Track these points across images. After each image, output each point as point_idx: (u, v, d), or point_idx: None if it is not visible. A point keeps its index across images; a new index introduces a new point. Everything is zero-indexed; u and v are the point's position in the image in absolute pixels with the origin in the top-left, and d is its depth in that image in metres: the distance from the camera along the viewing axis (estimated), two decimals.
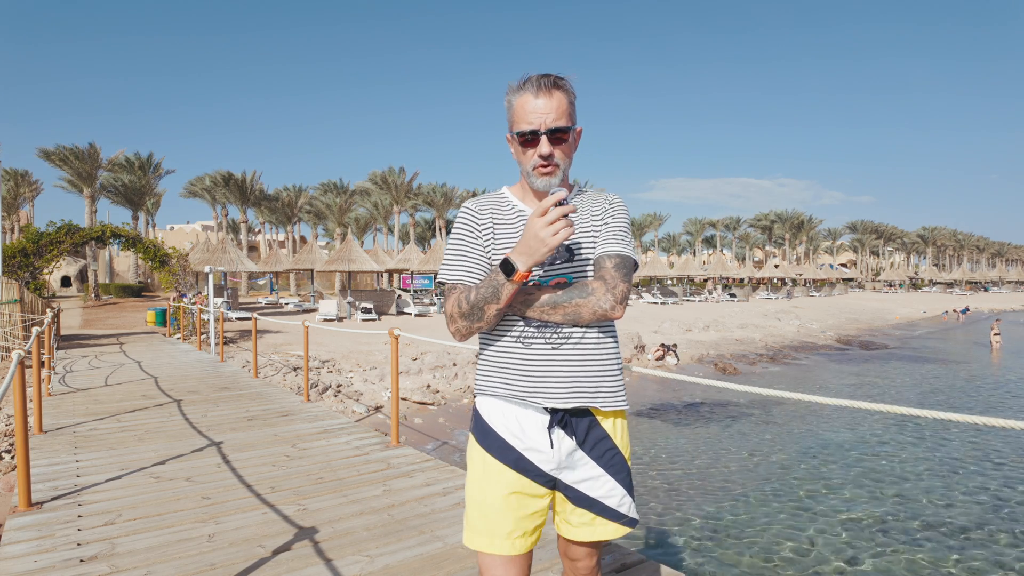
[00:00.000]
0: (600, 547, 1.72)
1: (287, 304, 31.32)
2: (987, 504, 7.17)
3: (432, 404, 11.09)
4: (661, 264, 55.66)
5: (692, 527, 6.44)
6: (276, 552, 3.12)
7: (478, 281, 1.56)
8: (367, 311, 25.11)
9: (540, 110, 1.52)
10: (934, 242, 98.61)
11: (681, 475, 8.22)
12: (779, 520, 6.65)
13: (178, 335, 17.32)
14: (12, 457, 6.12)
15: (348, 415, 9.43)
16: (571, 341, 1.55)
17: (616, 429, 1.63)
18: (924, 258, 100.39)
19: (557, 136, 1.53)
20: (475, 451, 1.63)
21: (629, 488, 1.64)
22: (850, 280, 79.45)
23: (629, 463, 1.66)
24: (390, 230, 57.48)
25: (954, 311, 44.64)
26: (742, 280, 59.31)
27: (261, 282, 49.09)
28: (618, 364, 1.63)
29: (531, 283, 1.55)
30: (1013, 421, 1.90)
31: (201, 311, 15.24)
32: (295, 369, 12.03)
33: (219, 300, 19.21)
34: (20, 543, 3.26)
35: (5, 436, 6.98)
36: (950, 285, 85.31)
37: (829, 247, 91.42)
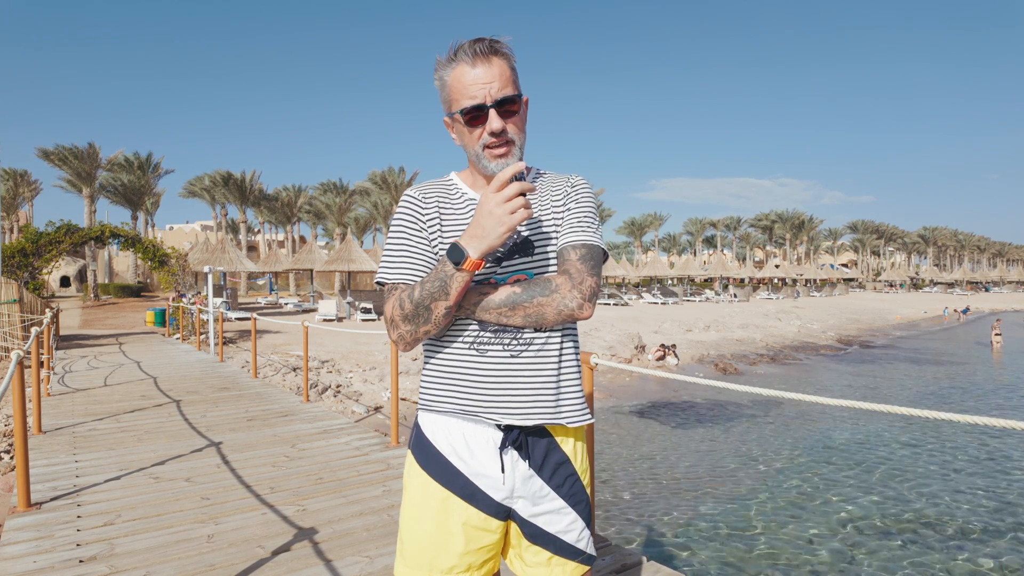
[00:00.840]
0: None
1: (286, 304, 31.32)
2: (989, 505, 7.16)
3: None
4: (661, 264, 55.74)
5: (692, 527, 6.43)
6: (276, 553, 3.12)
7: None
8: (367, 311, 25.11)
9: (481, 80, 1.30)
10: (935, 242, 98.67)
11: (681, 475, 8.22)
12: (779, 520, 6.65)
13: (177, 335, 17.33)
14: (11, 457, 6.12)
15: (348, 415, 9.42)
16: (532, 347, 1.35)
17: (577, 452, 1.44)
18: (925, 258, 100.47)
19: (506, 108, 1.32)
20: (415, 474, 1.42)
21: (588, 521, 1.45)
22: (851, 280, 79.51)
23: (588, 490, 1.47)
24: (390, 230, 57.54)
25: (955, 311, 44.66)
26: (743, 280, 59.37)
27: (260, 282, 49.17)
28: (580, 374, 1.45)
29: (486, 281, 1.36)
30: (1014, 421, 1.90)
31: (200, 311, 15.24)
32: (294, 369, 12.02)
33: (218, 300, 19.21)
34: (19, 543, 3.26)
35: (4, 436, 6.98)
36: (951, 285, 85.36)
37: (830, 247, 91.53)
